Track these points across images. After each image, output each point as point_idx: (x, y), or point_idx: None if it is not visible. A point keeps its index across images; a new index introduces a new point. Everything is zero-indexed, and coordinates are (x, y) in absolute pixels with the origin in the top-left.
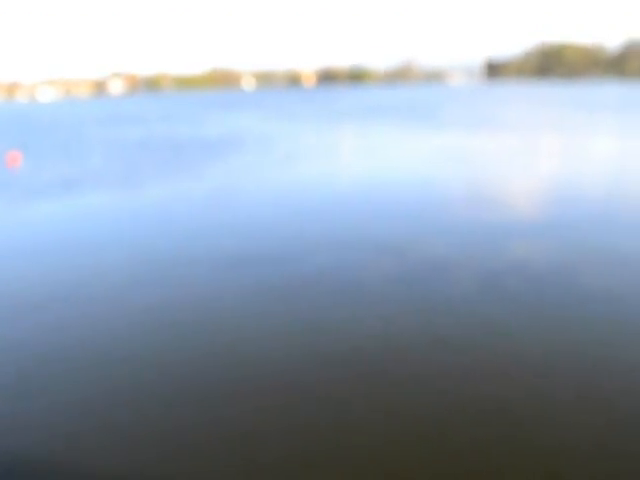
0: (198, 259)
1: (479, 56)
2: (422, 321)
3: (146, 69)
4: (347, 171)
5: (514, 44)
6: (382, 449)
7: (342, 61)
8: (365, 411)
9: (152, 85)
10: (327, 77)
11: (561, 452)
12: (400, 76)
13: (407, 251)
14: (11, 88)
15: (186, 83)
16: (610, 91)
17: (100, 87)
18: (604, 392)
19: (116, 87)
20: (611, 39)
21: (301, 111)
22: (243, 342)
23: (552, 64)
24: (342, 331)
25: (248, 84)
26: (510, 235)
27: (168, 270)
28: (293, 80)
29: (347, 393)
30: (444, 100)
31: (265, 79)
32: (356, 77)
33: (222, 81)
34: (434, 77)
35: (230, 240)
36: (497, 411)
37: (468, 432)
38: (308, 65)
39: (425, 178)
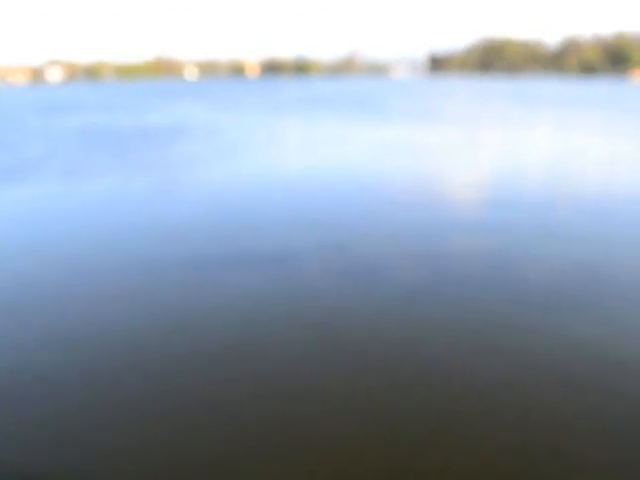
0: (136, 250)
1: (422, 50)
2: (359, 308)
3: (86, 57)
4: (291, 162)
5: (457, 39)
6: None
7: (286, 52)
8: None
9: (92, 74)
10: (271, 68)
11: (530, 443)
12: (344, 68)
13: (348, 243)
14: None
15: (128, 72)
16: (549, 86)
17: (37, 75)
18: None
19: (54, 75)
20: (550, 36)
21: (245, 101)
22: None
23: (493, 59)
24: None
25: (191, 74)
26: (450, 227)
27: (101, 266)
28: (237, 70)
29: (290, 385)
30: (388, 92)
31: (208, 69)
32: (300, 68)
33: (164, 70)
34: (378, 70)
35: (165, 233)
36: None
37: (424, 424)
38: (252, 55)
39: (368, 170)
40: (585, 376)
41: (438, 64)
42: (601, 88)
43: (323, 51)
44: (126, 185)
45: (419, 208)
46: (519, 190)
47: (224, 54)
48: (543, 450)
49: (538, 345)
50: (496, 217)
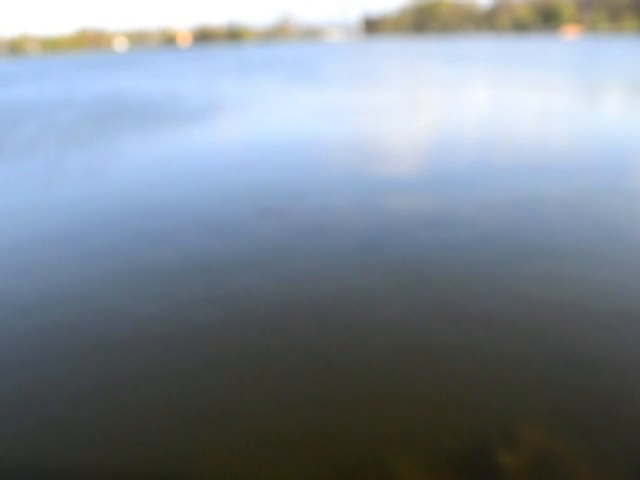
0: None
1: (356, 13)
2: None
3: (8, 30)
4: (229, 129)
5: (390, 1)
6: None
7: (218, 19)
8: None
9: (15, 48)
10: (203, 36)
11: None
12: (278, 34)
13: (288, 207)
14: None
15: (53, 46)
16: (483, 45)
17: None
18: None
19: None
20: None
21: (178, 70)
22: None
23: (427, 20)
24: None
25: (120, 45)
26: (392, 188)
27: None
28: (168, 40)
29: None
30: (324, 56)
31: (138, 39)
32: (233, 36)
33: (92, 42)
34: (312, 34)
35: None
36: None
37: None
38: (183, 24)
39: (308, 134)
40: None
41: (372, 26)
42: (534, 45)
43: (256, 17)
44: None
45: (361, 169)
46: (457, 147)
47: (154, 23)
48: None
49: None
50: (435, 175)
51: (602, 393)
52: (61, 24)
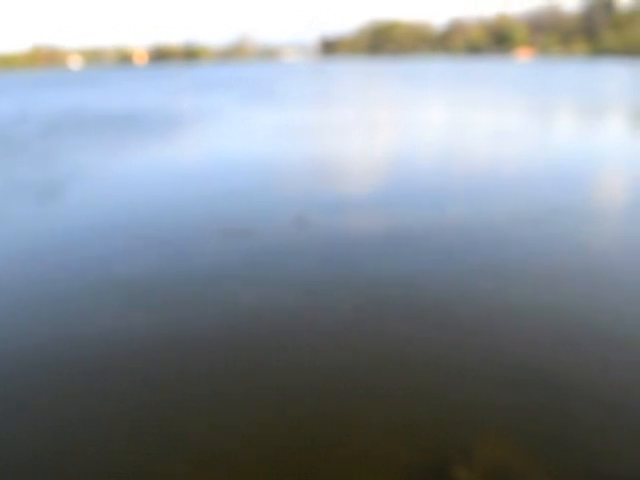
0: None
1: (313, 33)
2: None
3: None
4: (184, 146)
5: (346, 22)
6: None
7: (175, 38)
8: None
9: None
10: (160, 55)
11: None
12: (235, 53)
13: (253, 226)
14: None
15: (5, 63)
16: (437, 66)
17: None
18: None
19: None
20: (437, 17)
21: (135, 89)
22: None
23: (383, 41)
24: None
25: (75, 63)
26: (347, 206)
27: None
28: (124, 58)
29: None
30: (280, 76)
31: (94, 57)
32: (190, 55)
33: (46, 60)
34: (269, 54)
35: None
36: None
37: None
38: (139, 42)
39: (263, 154)
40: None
41: (329, 47)
42: (488, 66)
43: (213, 36)
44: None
45: (315, 188)
46: (414, 164)
47: (110, 41)
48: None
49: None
50: (392, 191)
51: (562, 413)
52: (13, 41)
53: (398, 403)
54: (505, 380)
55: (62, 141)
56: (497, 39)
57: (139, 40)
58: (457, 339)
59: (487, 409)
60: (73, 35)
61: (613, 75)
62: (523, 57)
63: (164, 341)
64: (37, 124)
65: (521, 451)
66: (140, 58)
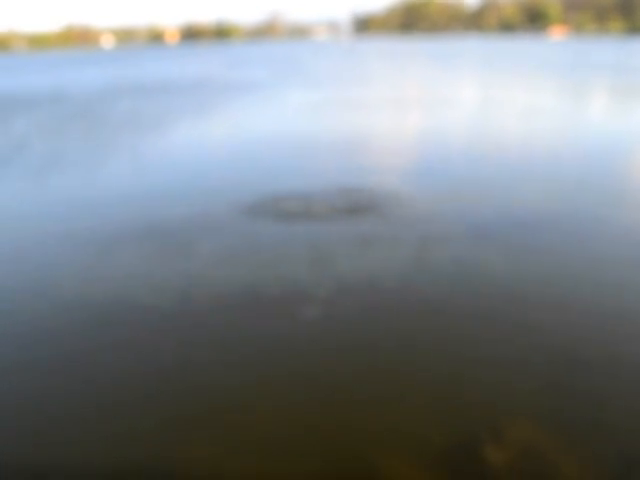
0: None
1: (344, 11)
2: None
3: None
4: (224, 128)
5: (378, 0)
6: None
7: (206, 16)
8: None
9: (1, 45)
10: (191, 34)
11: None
12: (266, 32)
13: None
14: None
15: (40, 42)
16: (471, 44)
17: None
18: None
19: None
20: None
21: (166, 67)
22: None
23: (416, 19)
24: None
25: (107, 42)
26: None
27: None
28: (155, 37)
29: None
30: (312, 55)
31: (125, 36)
32: (221, 33)
33: (79, 39)
34: (300, 33)
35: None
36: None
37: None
38: (171, 21)
39: (306, 130)
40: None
41: (360, 25)
42: (521, 45)
43: (244, 15)
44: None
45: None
46: (451, 143)
47: (141, 20)
48: None
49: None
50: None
51: (591, 393)
52: (47, 21)
53: (430, 385)
54: (534, 363)
55: (157, 102)
56: (531, 17)
57: (170, 19)
58: (490, 325)
59: (517, 391)
60: (105, 14)
61: None
62: (557, 35)
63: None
64: (125, 91)
65: (551, 433)
66: (171, 37)
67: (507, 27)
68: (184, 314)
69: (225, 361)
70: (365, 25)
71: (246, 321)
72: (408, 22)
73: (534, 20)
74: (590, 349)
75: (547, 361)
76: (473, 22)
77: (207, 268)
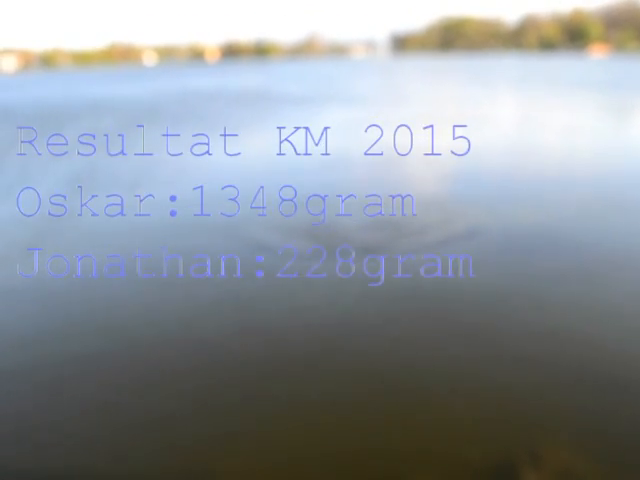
0: None
1: (382, 30)
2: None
3: (40, 44)
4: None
5: (416, 18)
6: None
7: (246, 35)
8: None
9: (47, 61)
10: (231, 52)
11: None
12: (304, 50)
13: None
14: None
15: (84, 59)
16: (509, 63)
17: None
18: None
19: (8, 64)
20: (509, 13)
21: (211, 81)
22: None
23: (454, 38)
24: None
25: (149, 59)
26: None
27: None
28: (196, 55)
29: None
30: (351, 73)
31: (167, 54)
32: (260, 52)
33: (122, 56)
34: (338, 51)
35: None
36: None
37: None
38: (211, 39)
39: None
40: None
41: (399, 44)
42: (562, 63)
43: (283, 33)
44: None
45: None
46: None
47: (183, 38)
48: None
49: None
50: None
51: (631, 415)
52: (92, 38)
53: (464, 400)
54: (575, 382)
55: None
56: (571, 35)
57: (211, 37)
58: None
59: (556, 411)
60: (148, 32)
61: None
62: (598, 54)
63: None
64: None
65: (590, 456)
66: (212, 55)
67: (547, 45)
68: None
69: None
70: (403, 44)
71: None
72: (446, 40)
73: (574, 38)
74: None
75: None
76: (512, 40)
77: None
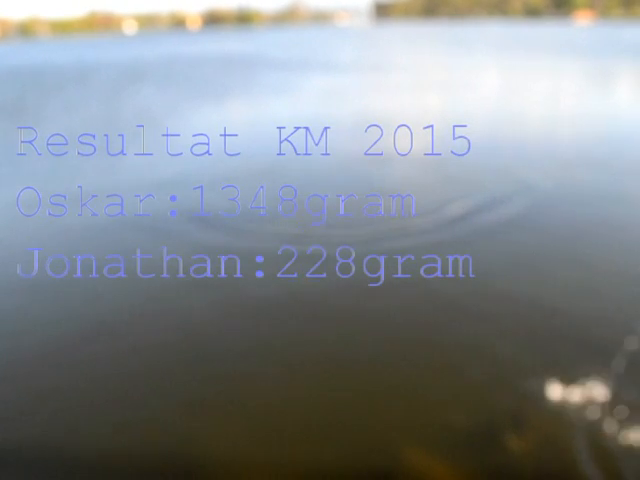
0: None
1: None
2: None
3: (17, 13)
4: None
5: None
6: None
7: (228, 2)
8: None
9: (25, 31)
10: (213, 19)
11: None
12: (288, 17)
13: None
14: None
15: (63, 28)
16: (494, 30)
17: None
18: None
19: None
20: None
21: (189, 52)
22: None
23: (438, 5)
24: None
25: (130, 28)
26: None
27: None
28: (177, 23)
29: None
30: (339, 41)
31: (148, 22)
32: (243, 19)
33: (101, 25)
34: (322, 18)
35: None
36: None
37: None
38: (193, 7)
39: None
40: None
41: (382, 11)
42: (548, 30)
43: (266, 0)
44: None
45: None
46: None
47: (163, 6)
48: None
49: None
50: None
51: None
52: (70, 6)
53: (448, 369)
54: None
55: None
56: (556, 2)
57: (192, 5)
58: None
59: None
60: (127, 0)
61: None
62: (583, 20)
63: None
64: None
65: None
66: (193, 23)
67: (532, 12)
68: None
69: None
70: (386, 11)
71: None
72: (430, 7)
73: (560, 5)
74: None
75: None
76: (497, 7)
77: None
